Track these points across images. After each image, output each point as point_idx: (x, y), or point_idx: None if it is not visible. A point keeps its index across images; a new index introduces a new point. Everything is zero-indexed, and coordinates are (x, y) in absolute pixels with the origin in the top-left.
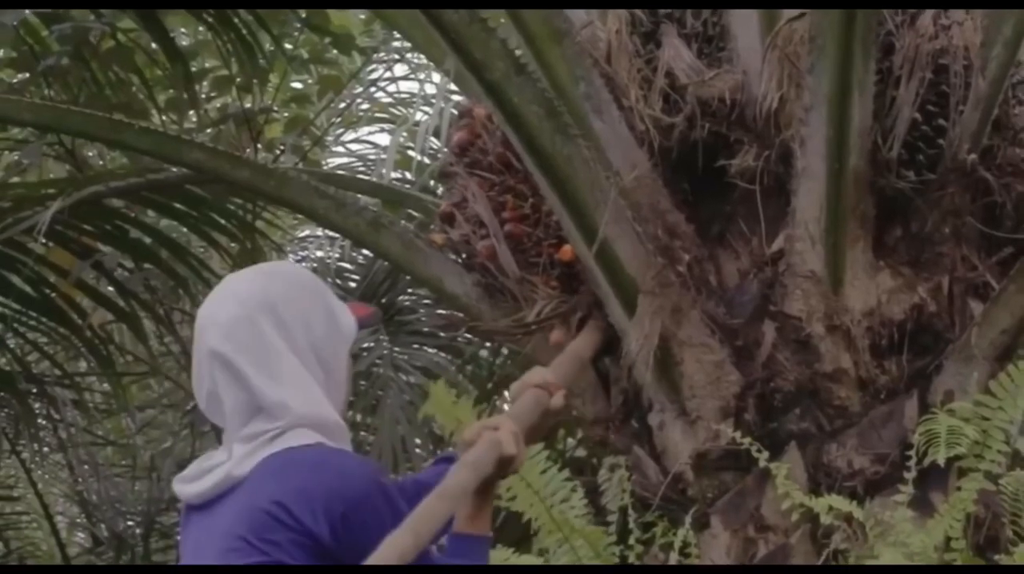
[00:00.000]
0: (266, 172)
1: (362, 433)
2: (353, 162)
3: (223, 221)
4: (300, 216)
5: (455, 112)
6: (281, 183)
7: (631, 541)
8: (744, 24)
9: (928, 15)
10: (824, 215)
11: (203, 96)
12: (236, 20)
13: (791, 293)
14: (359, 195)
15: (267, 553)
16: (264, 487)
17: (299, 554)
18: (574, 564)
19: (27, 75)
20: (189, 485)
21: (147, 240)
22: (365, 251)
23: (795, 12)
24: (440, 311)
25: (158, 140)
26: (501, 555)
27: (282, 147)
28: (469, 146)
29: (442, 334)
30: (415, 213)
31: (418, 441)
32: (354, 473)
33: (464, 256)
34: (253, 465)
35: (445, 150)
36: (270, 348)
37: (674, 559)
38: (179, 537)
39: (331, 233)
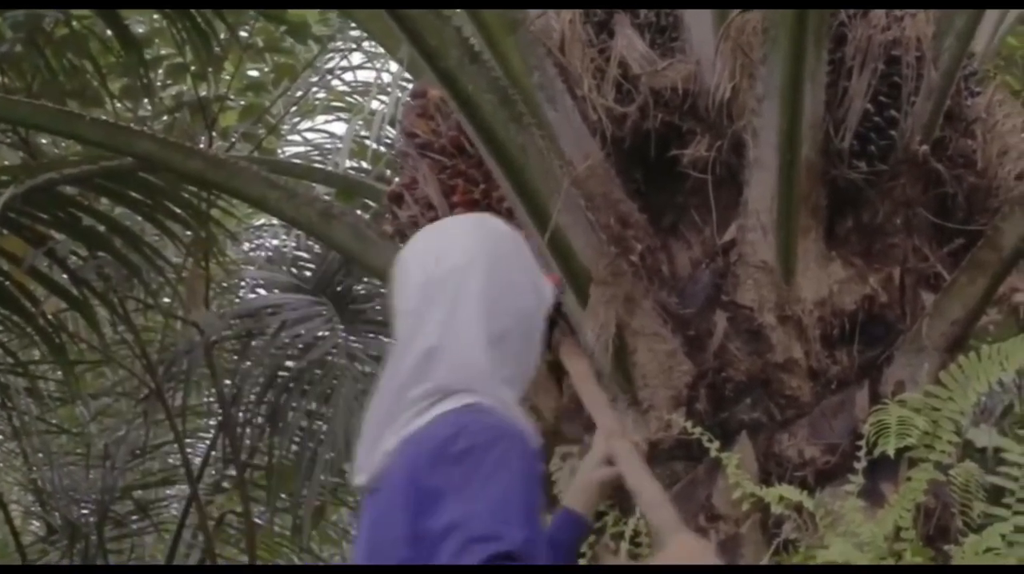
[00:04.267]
0: (217, 163)
1: (316, 422)
2: (309, 151)
3: (177, 209)
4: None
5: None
6: (232, 174)
7: None
8: (697, 14)
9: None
10: (776, 205)
11: (158, 84)
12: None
13: (743, 283)
14: (313, 184)
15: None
16: (406, 458)
17: (397, 526)
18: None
19: None
20: (360, 461)
21: (100, 228)
22: None
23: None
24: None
25: (109, 131)
26: None
27: (236, 135)
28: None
29: None
30: (370, 202)
31: None
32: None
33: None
34: (401, 438)
35: (400, 138)
36: (464, 307)
37: (624, 549)
38: None
39: None
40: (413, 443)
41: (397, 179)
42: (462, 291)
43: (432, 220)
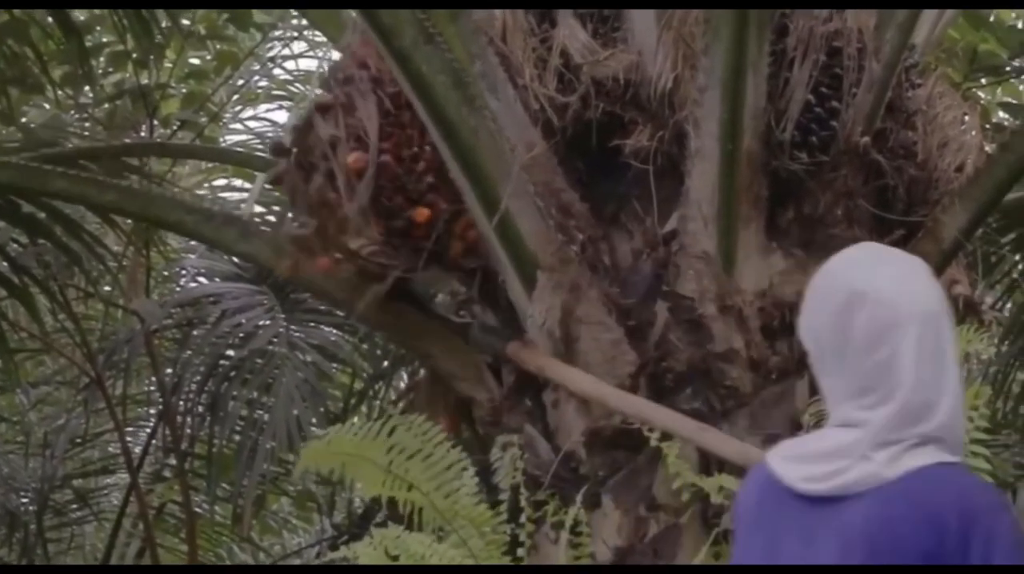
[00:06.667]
0: (131, 193)
1: (257, 411)
2: (250, 139)
3: None
4: (197, 195)
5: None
6: (147, 202)
7: (522, 520)
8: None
9: None
10: (717, 196)
11: (99, 71)
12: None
13: (684, 273)
14: (255, 172)
15: (881, 561)
16: (923, 499)
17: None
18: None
19: None
20: (813, 471)
21: (40, 215)
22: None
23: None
24: None
25: (20, 173)
26: (391, 534)
27: (177, 123)
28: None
29: (339, 313)
30: None
31: (313, 420)
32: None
33: (319, 155)
34: (901, 471)
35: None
36: (946, 351)
37: (565, 538)
38: (747, 517)
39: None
40: (896, 485)
41: (326, 92)
42: (943, 339)
43: (355, 151)
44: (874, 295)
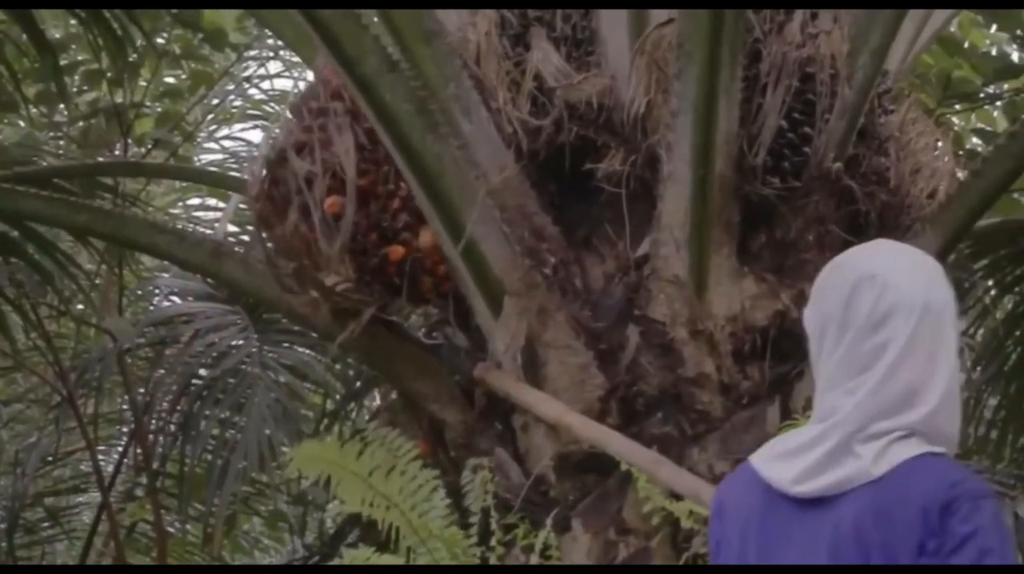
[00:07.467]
0: (103, 215)
1: (229, 431)
2: (225, 158)
3: None
4: (170, 214)
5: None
6: (119, 224)
7: (492, 542)
8: (613, 28)
9: (796, 23)
10: (689, 220)
11: (74, 90)
12: (107, 14)
13: (655, 297)
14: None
15: (873, 557)
16: (910, 492)
17: (904, 559)
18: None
19: None
20: (799, 469)
21: (13, 233)
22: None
23: (664, 17)
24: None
25: None
26: (363, 555)
27: (151, 142)
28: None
29: (313, 334)
30: None
31: (284, 440)
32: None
33: (293, 189)
34: (888, 466)
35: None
36: (944, 346)
37: (535, 561)
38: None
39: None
40: (883, 481)
41: (299, 121)
42: (944, 334)
43: (332, 190)
44: (883, 278)
